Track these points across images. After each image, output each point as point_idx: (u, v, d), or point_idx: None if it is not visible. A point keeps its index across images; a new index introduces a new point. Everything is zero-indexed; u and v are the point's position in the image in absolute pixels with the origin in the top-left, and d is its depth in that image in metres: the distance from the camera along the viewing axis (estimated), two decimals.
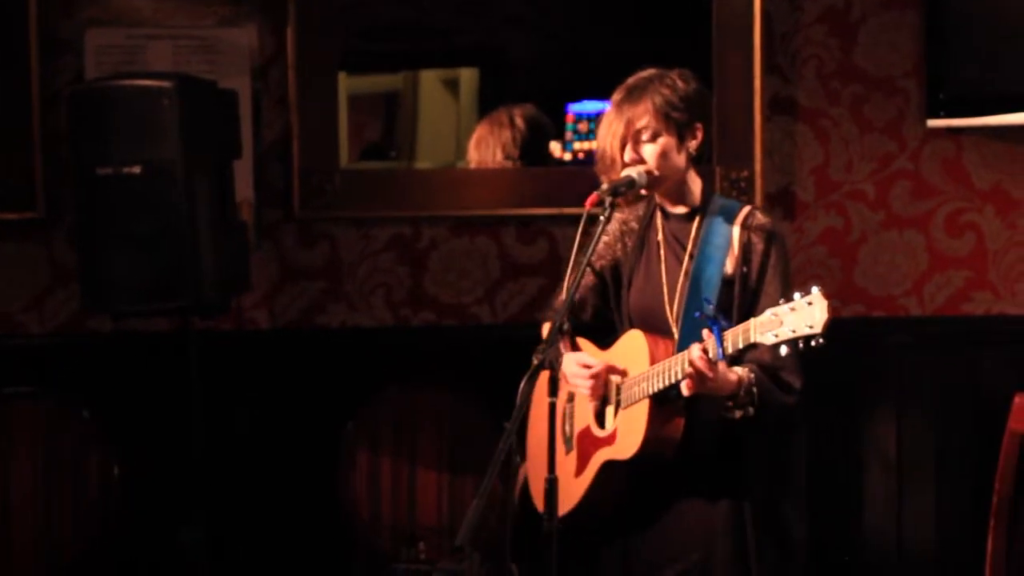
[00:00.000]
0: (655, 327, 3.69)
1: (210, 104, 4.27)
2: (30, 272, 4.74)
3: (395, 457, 4.63)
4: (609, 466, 3.66)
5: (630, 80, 3.73)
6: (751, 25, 4.77)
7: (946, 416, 4.85)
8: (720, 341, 3.40)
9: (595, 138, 3.81)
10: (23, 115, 4.64)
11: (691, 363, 3.45)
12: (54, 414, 4.57)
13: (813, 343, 3.29)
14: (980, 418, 4.74)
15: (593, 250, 3.62)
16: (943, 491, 4.86)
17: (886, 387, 4.86)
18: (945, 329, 4.87)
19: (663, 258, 3.74)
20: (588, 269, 3.79)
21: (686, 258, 3.70)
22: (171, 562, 4.32)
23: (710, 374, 3.45)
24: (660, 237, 3.76)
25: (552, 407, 3.46)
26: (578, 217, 3.61)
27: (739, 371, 3.54)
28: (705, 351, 3.43)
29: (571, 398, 3.83)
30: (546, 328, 3.93)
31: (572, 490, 3.69)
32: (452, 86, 5.17)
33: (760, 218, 3.70)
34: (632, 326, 3.75)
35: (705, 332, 3.45)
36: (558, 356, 3.67)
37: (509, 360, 3.96)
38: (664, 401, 3.59)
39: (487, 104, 5.02)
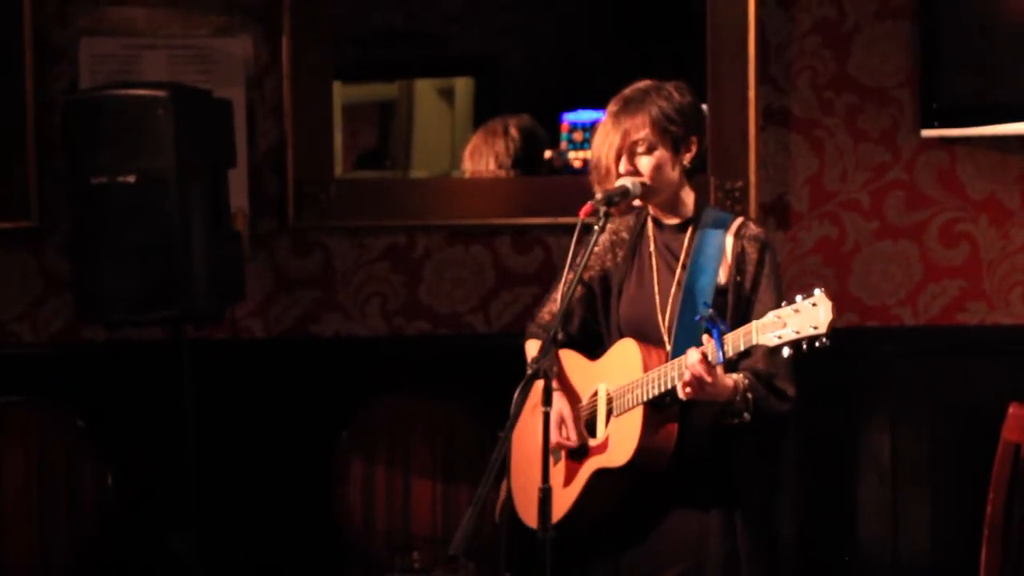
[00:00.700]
0: (646, 337, 3.70)
1: (205, 113, 4.28)
2: (24, 281, 4.73)
3: (389, 466, 4.63)
4: (601, 474, 3.67)
5: (626, 91, 3.74)
6: (745, 35, 4.78)
7: (940, 426, 4.85)
8: (720, 344, 3.41)
9: (590, 147, 3.80)
10: (17, 123, 4.65)
11: (690, 367, 3.45)
12: (48, 423, 4.56)
13: (817, 344, 3.31)
14: (974, 428, 4.73)
15: (585, 261, 3.63)
16: (937, 501, 4.86)
17: (880, 397, 4.86)
18: (939, 339, 4.87)
19: (655, 268, 3.75)
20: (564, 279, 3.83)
21: (679, 268, 3.71)
22: (164, 570, 4.32)
23: (709, 378, 3.47)
24: (652, 248, 3.77)
25: (546, 416, 3.45)
26: (573, 226, 3.63)
27: (735, 377, 3.55)
28: (704, 355, 3.44)
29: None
30: (529, 344, 3.94)
31: (561, 500, 3.68)
32: (447, 95, 5.18)
33: (753, 228, 3.73)
34: (622, 336, 3.75)
35: (704, 336, 3.46)
36: (552, 365, 3.67)
37: (504, 369, 3.97)
38: (658, 408, 3.59)
39: (482, 113, 5.02)
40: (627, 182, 3.66)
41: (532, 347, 3.92)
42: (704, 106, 4.68)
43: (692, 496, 3.66)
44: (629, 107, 3.68)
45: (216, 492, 4.49)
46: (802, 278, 4.83)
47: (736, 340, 3.44)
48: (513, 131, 4.88)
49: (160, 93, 4.16)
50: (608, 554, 3.73)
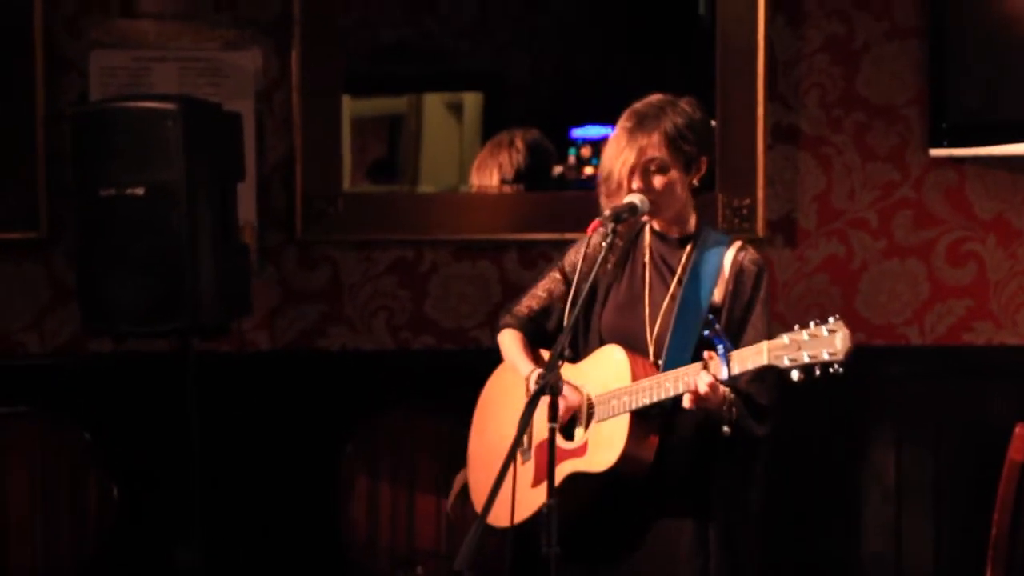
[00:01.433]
0: (629, 344, 3.69)
1: (214, 126, 4.28)
2: (31, 292, 4.74)
3: (394, 480, 4.63)
4: (576, 478, 3.64)
5: (639, 105, 3.73)
6: (754, 53, 4.78)
7: (946, 446, 4.85)
8: (726, 361, 3.41)
9: (598, 162, 3.80)
10: (27, 135, 4.66)
11: (698, 388, 3.46)
12: (53, 434, 4.57)
13: (831, 370, 3.31)
14: (980, 448, 4.73)
15: (594, 275, 3.63)
16: (942, 520, 4.85)
17: (886, 416, 4.85)
18: (946, 359, 4.87)
19: (648, 279, 3.75)
20: (559, 279, 3.85)
21: (673, 282, 3.71)
22: None
23: (715, 397, 3.48)
24: (647, 258, 3.77)
25: (552, 432, 3.45)
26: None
27: (724, 389, 3.56)
28: (715, 376, 3.46)
29: None
30: (503, 335, 3.92)
31: (529, 500, 3.63)
32: (456, 110, 5.18)
33: (752, 252, 3.75)
34: (603, 342, 3.75)
35: (707, 353, 3.46)
36: (559, 380, 3.66)
37: None
38: (643, 418, 3.60)
39: (491, 128, 5.02)
40: (635, 199, 3.65)
41: (507, 339, 3.91)
42: (713, 123, 4.70)
43: (666, 508, 3.66)
44: (645, 124, 3.67)
45: (221, 505, 4.48)
46: (809, 296, 4.83)
47: (744, 359, 3.44)
48: (519, 143, 4.88)
49: (169, 106, 4.17)
50: (583, 561, 3.70)
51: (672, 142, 3.66)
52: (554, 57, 5.11)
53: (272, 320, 4.79)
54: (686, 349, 3.60)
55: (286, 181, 4.77)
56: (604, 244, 3.62)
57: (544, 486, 3.66)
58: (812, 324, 3.36)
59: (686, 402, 3.51)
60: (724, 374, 3.44)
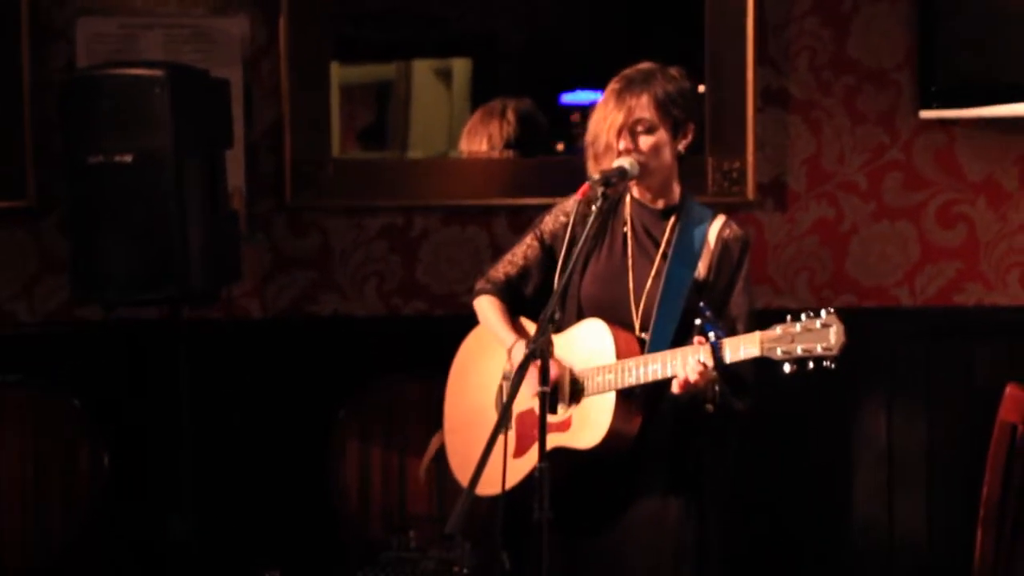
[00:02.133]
0: (612, 318, 3.69)
1: (202, 93, 4.27)
2: (20, 261, 4.73)
3: (385, 446, 4.63)
4: (559, 452, 3.64)
5: (628, 71, 3.75)
6: (744, 16, 4.77)
7: (937, 407, 4.85)
8: (717, 349, 3.41)
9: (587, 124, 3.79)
10: (14, 103, 4.65)
11: (687, 376, 3.48)
12: (44, 403, 4.56)
13: (824, 364, 3.32)
14: (971, 409, 4.74)
15: (584, 242, 3.63)
16: (934, 481, 4.86)
17: (877, 378, 4.86)
18: (936, 320, 4.87)
19: (630, 251, 3.74)
20: (537, 245, 3.84)
21: (658, 256, 3.70)
22: (161, 551, 4.32)
23: (702, 382, 3.49)
24: (628, 228, 3.76)
25: (543, 397, 3.44)
26: None
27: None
28: (704, 365, 3.47)
29: (507, 376, 3.81)
30: (480, 300, 3.92)
31: (511, 470, 3.62)
32: (445, 76, 5.16)
33: (736, 228, 3.76)
34: (581, 311, 3.75)
35: (698, 339, 3.46)
36: (549, 345, 3.66)
37: None
38: (627, 396, 3.60)
39: (480, 94, 5.01)
40: (625, 162, 3.66)
41: (484, 304, 3.91)
42: (701, 87, 4.70)
43: (651, 483, 3.67)
44: (633, 86, 3.68)
45: (212, 472, 4.49)
46: (799, 259, 4.83)
47: (736, 348, 3.44)
48: (510, 114, 4.86)
49: (157, 73, 4.15)
50: (561, 535, 3.70)
51: (661, 105, 3.66)
52: (543, 23, 5.09)
53: (262, 287, 4.79)
54: (671, 325, 3.62)
55: (275, 147, 4.76)
56: (594, 208, 3.61)
57: (526, 456, 3.67)
58: (804, 316, 3.36)
59: (675, 387, 3.52)
60: (713, 362, 3.44)
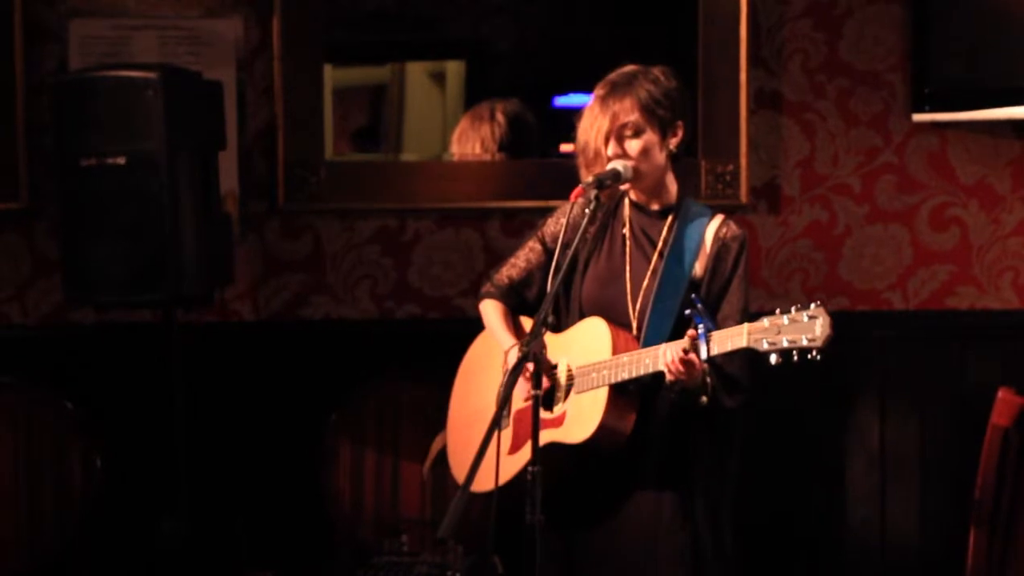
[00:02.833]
0: (611, 318, 3.71)
1: (195, 95, 4.27)
2: (12, 263, 4.73)
3: (378, 449, 4.63)
4: (553, 448, 3.65)
5: (612, 75, 3.77)
6: (737, 18, 4.77)
7: (930, 410, 4.86)
8: (705, 341, 3.43)
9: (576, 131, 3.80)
10: (6, 105, 4.64)
11: (672, 364, 3.48)
12: (36, 405, 4.56)
13: (808, 356, 3.33)
14: (964, 412, 4.75)
15: (577, 243, 3.64)
16: (927, 485, 4.87)
17: (870, 381, 4.86)
18: (929, 323, 4.88)
19: (628, 251, 3.76)
20: (540, 248, 3.87)
21: (655, 256, 3.72)
22: (153, 553, 4.31)
23: (694, 373, 3.50)
24: (627, 230, 3.78)
25: (536, 399, 3.45)
26: None
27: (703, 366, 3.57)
28: (685, 351, 3.47)
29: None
30: (485, 304, 3.94)
31: (506, 467, 3.64)
32: (438, 78, 5.16)
33: (734, 227, 3.77)
34: (583, 312, 3.76)
35: (691, 331, 3.47)
36: (542, 348, 3.66)
37: None
38: (621, 392, 3.60)
39: (473, 96, 5.01)
40: (618, 165, 3.67)
41: (489, 308, 3.93)
42: (687, 88, 4.69)
43: (646, 480, 3.68)
44: (617, 90, 3.70)
45: (205, 475, 4.48)
46: (792, 262, 4.83)
47: (724, 340, 3.46)
48: (499, 116, 4.87)
49: (150, 75, 4.15)
50: (557, 532, 3.70)
51: (645, 107, 3.68)
52: (537, 25, 5.09)
53: (255, 290, 4.78)
54: (666, 323, 3.63)
55: (268, 150, 4.76)
56: (587, 211, 3.62)
57: (520, 453, 3.68)
58: (793, 309, 3.38)
59: (667, 376, 3.53)
60: (704, 354, 3.46)
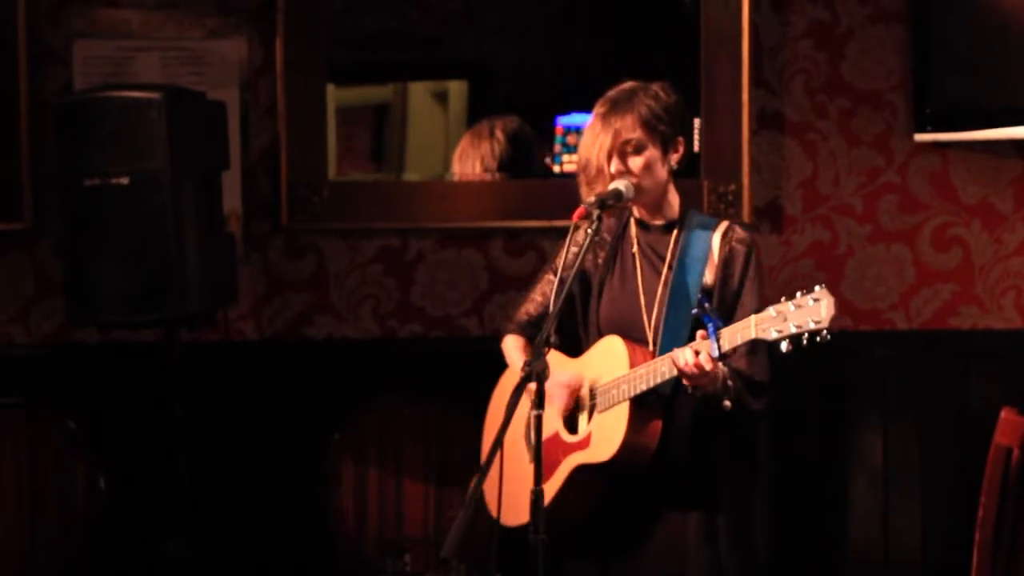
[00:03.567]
0: (629, 336, 3.71)
1: (198, 115, 4.27)
2: (16, 283, 4.73)
3: (381, 468, 4.63)
4: (582, 470, 3.67)
5: (611, 93, 3.77)
6: (739, 39, 4.78)
7: (932, 430, 4.86)
8: (716, 338, 3.43)
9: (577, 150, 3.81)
10: (10, 125, 4.64)
11: (685, 365, 3.48)
12: (40, 425, 4.56)
13: (818, 338, 3.32)
14: (966, 432, 4.74)
15: (566, 260, 3.65)
16: (929, 504, 4.86)
17: (872, 401, 4.86)
18: (931, 343, 4.88)
19: (639, 269, 3.76)
20: (554, 278, 3.84)
21: (664, 268, 3.73)
22: (157, 572, 4.31)
23: (709, 373, 3.49)
24: (635, 249, 3.78)
25: (538, 420, 3.45)
26: (566, 229, 3.65)
27: (719, 366, 3.57)
28: (697, 352, 3.47)
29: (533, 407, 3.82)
30: (507, 341, 3.95)
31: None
32: (441, 98, 5.17)
33: (740, 231, 3.77)
34: (601, 335, 3.76)
35: (701, 332, 3.47)
36: (545, 368, 3.66)
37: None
38: (642, 405, 3.60)
39: (476, 116, 5.02)
40: (620, 185, 3.67)
41: (510, 344, 3.93)
42: (687, 104, 4.70)
43: (673, 499, 3.68)
44: (617, 108, 3.70)
45: (208, 495, 4.48)
46: (795, 282, 4.83)
47: (733, 335, 3.46)
48: (499, 133, 4.88)
49: (154, 95, 4.16)
50: (592, 557, 3.72)
51: (646, 123, 3.68)
52: (539, 44, 5.10)
53: (258, 309, 4.79)
54: (680, 332, 3.62)
55: (271, 170, 4.77)
56: (589, 231, 3.62)
57: (552, 481, 3.68)
58: (798, 294, 3.39)
59: (685, 382, 3.53)
60: (715, 351, 3.46)
